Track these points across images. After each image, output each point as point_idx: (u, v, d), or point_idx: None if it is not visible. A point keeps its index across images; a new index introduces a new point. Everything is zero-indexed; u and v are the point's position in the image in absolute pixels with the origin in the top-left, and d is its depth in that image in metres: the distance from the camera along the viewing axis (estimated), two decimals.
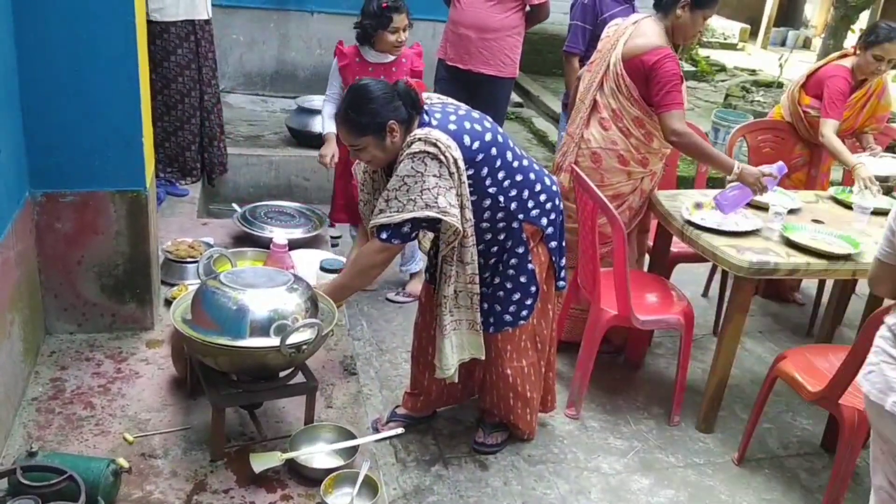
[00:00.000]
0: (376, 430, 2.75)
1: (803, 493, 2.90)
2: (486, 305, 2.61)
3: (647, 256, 3.69)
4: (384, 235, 2.37)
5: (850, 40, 7.91)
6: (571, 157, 3.33)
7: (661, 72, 3.05)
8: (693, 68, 9.48)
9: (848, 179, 4.05)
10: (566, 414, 3.20)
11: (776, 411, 3.34)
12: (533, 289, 2.62)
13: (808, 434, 3.24)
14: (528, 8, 4.23)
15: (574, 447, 3.01)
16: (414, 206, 2.29)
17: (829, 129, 3.70)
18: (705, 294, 4.30)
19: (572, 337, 3.40)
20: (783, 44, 11.84)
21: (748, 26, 12.18)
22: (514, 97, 6.78)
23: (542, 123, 6.65)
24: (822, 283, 4.09)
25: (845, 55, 3.91)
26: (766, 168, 3.09)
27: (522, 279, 2.60)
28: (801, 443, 3.19)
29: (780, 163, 3.18)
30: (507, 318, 2.63)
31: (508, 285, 2.60)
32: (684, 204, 3.24)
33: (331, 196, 3.95)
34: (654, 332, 3.68)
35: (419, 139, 2.30)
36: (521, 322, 2.66)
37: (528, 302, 2.63)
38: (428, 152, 2.28)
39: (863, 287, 3.92)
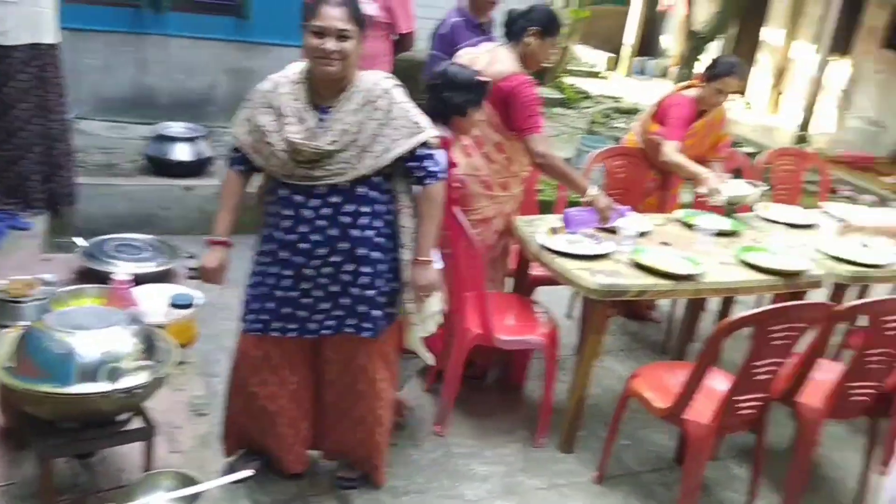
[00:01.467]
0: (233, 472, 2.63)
1: None
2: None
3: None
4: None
5: (698, 69, 8.45)
6: None
7: (522, 97, 3.16)
8: (560, 96, 9.82)
9: (698, 203, 4.28)
10: (434, 431, 3.21)
11: (633, 428, 3.45)
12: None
13: (663, 449, 3.37)
14: (394, 36, 4.27)
15: (439, 476, 3.00)
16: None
17: (669, 148, 3.91)
18: (569, 315, 4.42)
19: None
20: (642, 72, 12.49)
21: (614, 56, 12.78)
22: None
23: None
24: (674, 301, 4.29)
25: (691, 85, 4.15)
26: (616, 206, 3.33)
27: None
28: (657, 458, 3.31)
29: (629, 207, 3.37)
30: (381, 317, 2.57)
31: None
32: (541, 229, 3.32)
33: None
34: (532, 353, 3.74)
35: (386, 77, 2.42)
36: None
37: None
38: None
39: (711, 303, 4.15)
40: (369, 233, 2.43)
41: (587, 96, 10.46)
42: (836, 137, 9.63)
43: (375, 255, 2.46)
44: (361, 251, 2.43)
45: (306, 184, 2.36)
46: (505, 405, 3.54)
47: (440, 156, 2.62)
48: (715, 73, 3.89)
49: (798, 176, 4.95)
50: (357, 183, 2.37)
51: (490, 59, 3.22)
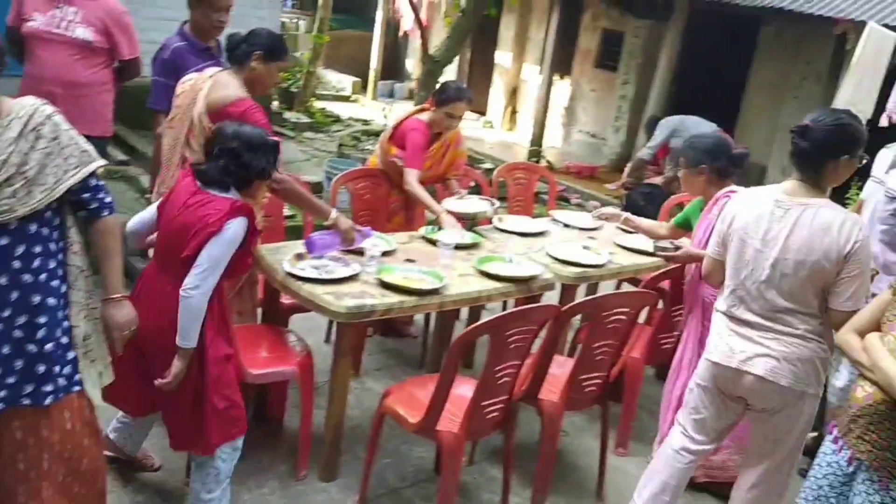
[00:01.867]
0: None
1: None
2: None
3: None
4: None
5: None
6: None
7: (250, 122, 3.01)
8: (310, 120, 9.81)
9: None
10: (186, 483, 3.01)
11: (394, 444, 3.48)
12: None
13: (424, 461, 3.43)
14: (117, 63, 4.00)
15: None
16: None
17: (412, 178, 4.04)
18: (328, 340, 4.37)
19: None
20: (391, 95, 12.86)
21: (359, 79, 13.02)
22: (118, 155, 6.36)
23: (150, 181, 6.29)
24: (427, 315, 4.41)
25: (423, 109, 4.31)
26: (359, 227, 3.34)
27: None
28: (418, 471, 3.36)
29: (370, 230, 3.40)
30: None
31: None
32: (286, 256, 3.25)
33: None
34: (289, 384, 3.63)
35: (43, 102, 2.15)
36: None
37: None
38: None
39: (464, 312, 4.33)
40: (43, 276, 2.15)
41: (337, 119, 10.56)
42: (563, 150, 10.58)
43: (51, 301, 2.18)
44: (35, 298, 2.14)
45: None
46: (263, 441, 3.40)
47: (240, 224, 2.49)
48: (443, 98, 4.07)
49: (530, 188, 5.34)
50: (27, 220, 2.11)
51: (214, 84, 3.10)
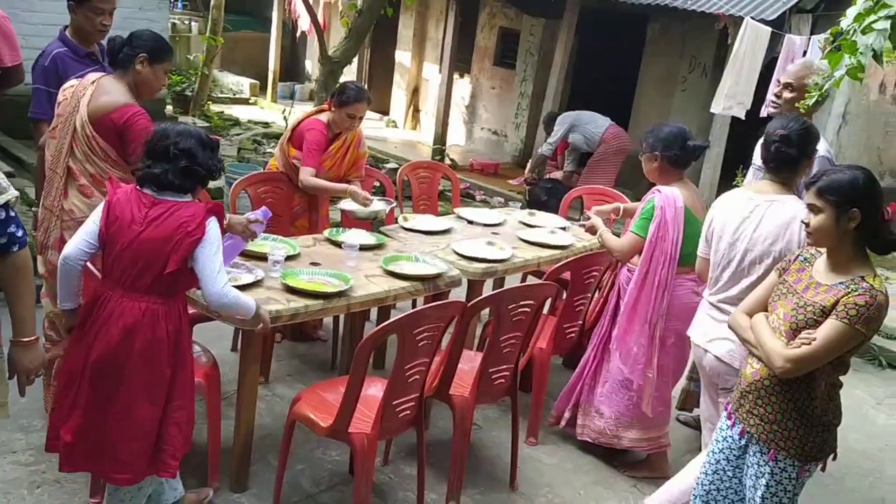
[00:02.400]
0: None
1: None
2: None
3: None
4: None
5: None
6: (56, 233, 3.09)
7: (135, 129, 2.97)
8: (207, 124, 9.56)
9: (346, 223, 4.43)
10: (90, 502, 2.91)
11: (307, 450, 3.45)
12: None
13: (338, 464, 3.42)
14: None
15: None
16: None
17: (305, 174, 4.04)
18: (234, 348, 4.28)
19: None
20: (291, 96, 12.67)
21: (257, 82, 12.76)
22: (3, 166, 6.03)
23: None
24: (337, 317, 4.38)
25: (322, 110, 4.27)
26: (251, 215, 3.15)
27: None
28: (332, 475, 3.34)
29: (264, 208, 3.29)
30: None
31: None
32: None
33: None
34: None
35: None
36: None
37: None
38: None
39: (374, 314, 4.31)
40: None
41: (236, 123, 10.34)
42: (467, 148, 10.69)
43: None
44: None
45: None
46: None
47: (217, 225, 2.41)
48: (343, 99, 4.05)
49: (434, 186, 5.38)
50: None
51: (96, 89, 3.00)
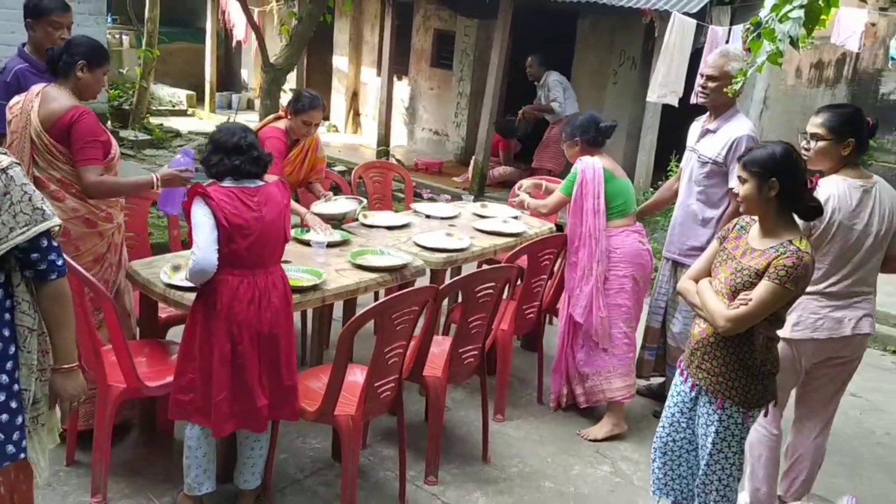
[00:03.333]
0: None
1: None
2: None
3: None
4: None
5: (284, 99, 8.88)
6: None
7: (79, 128, 3.14)
8: (149, 136, 9.53)
9: (304, 222, 4.57)
10: (92, 502, 3.03)
11: (289, 440, 3.60)
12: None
13: (319, 451, 3.58)
14: None
15: None
16: None
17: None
18: None
19: (91, 424, 3.20)
20: (229, 106, 12.65)
21: (193, 93, 12.70)
22: None
23: None
24: (304, 314, 4.52)
25: (279, 117, 4.41)
26: (175, 164, 3.37)
27: None
28: (315, 461, 3.51)
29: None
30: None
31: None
32: (162, 269, 3.29)
33: None
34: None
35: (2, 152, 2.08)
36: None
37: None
38: None
39: (337, 312, 4.48)
40: None
41: (177, 134, 10.31)
42: (410, 148, 10.90)
43: None
44: None
45: None
46: (157, 454, 3.42)
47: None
48: (299, 107, 4.20)
49: (387, 185, 5.57)
50: None
51: (43, 98, 3.15)
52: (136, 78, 10.42)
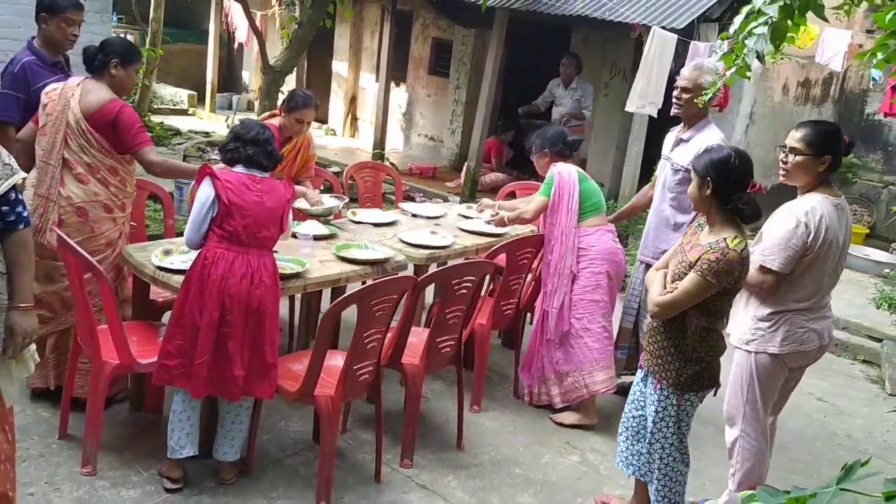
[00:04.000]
0: None
1: (303, 483, 3.36)
2: None
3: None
4: None
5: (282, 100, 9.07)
6: (53, 216, 3.46)
7: (125, 119, 3.44)
8: (149, 134, 9.69)
9: (298, 216, 4.75)
10: (82, 473, 3.20)
11: (272, 423, 3.77)
12: None
13: (300, 433, 3.75)
14: None
15: None
16: None
17: None
18: None
19: (86, 392, 3.37)
20: (230, 107, 12.83)
21: (195, 93, 12.89)
22: None
23: None
24: (291, 304, 4.69)
25: (274, 115, 4.60)
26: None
27: None
28: (296, 443, 3.67)
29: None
30: None
31: None
32: (153, 252, 3.47)
33: None
34: None
35: None
36: None
37: None
38: None
39: (324, 306, 4.63)
40: None
41: (177, 133, 10.48)
42: (405, 153, 11.08)
43: None
44: None
45: None
46: (145, 432, 3.58)
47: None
48: (292, 105, 4.39)
49: (378, 185, 5.75)
50: None
51: (83, 90, 3.43)
52: (140, 76, 10.60)
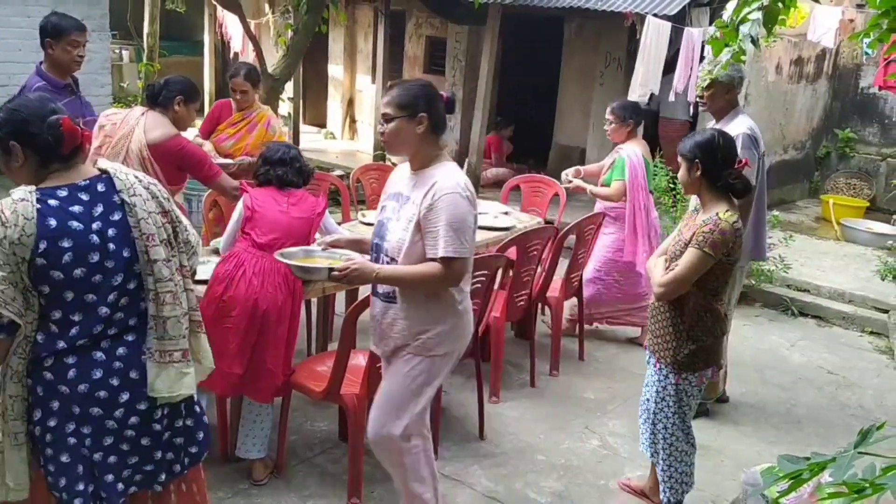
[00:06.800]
0: None
1: (333, 480, 3.46)
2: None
3: None
4: None
5: (282, 108, 9.15)
6: None
7: (188, 153, 3.69)
8: None
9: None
10: None
11: (298, 423, 3.86)
12: None
13: (327, 433, 3.84)
14: None
15: None
16: None
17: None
18: None
19: None
20: None
21: None
22: None
23: None
24: (308, 310, 4.77)
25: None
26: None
27: None
28: (323, 441, 3.77)
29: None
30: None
31: None
32: None
33: None
34: None
35: None
36: None
37: None
38: None
39: (339, 306, 4.74)
40: None
41: None
42: None
43: None
44: None
45: None
46: None
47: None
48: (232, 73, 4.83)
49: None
50: None
51: (148, 122, 3.64)
52: (137, 91, 10.67)
